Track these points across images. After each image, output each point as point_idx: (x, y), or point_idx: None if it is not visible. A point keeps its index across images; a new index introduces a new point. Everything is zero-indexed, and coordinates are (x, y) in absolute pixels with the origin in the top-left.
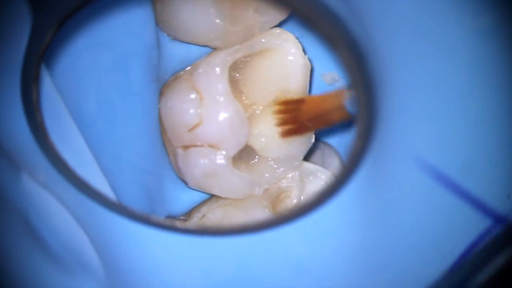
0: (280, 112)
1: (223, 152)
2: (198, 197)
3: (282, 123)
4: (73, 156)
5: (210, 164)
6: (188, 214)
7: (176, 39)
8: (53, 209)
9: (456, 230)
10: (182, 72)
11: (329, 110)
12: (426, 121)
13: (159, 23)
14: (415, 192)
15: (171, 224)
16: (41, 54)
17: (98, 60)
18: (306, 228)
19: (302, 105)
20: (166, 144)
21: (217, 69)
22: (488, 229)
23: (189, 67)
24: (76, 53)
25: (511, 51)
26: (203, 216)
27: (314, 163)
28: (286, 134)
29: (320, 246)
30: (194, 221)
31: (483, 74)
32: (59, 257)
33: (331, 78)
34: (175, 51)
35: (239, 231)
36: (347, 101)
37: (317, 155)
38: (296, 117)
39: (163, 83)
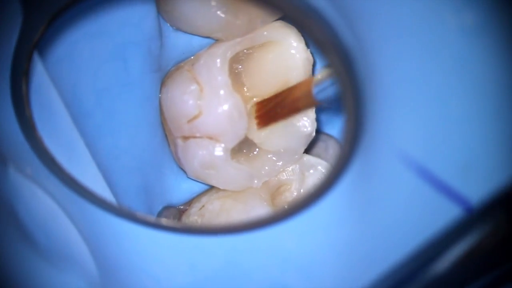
0: (257, 110)
1: (222, 144)
2: (198, 187)
3: (258, 116)
4: (63, 150)
5: (209, 155)
6: (188, 203)
7: (178, 29)
8: (41, 203)
9: (438, 224)
10: (183, 63)
11: (298, 98)
12: (412, 120)
13: (162, 13)
14: (400, 188)
15: (158, 222)
16: (31, 50)
17: (96, 50)
18: (295, 227)
19: (276, 98)
20: (167, 134)
21: (218, 61)
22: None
23: (191, 58)
24: (74, 42)
25: (494, 48)
26: (203, 206)
27: (318, 155)
28: (261, 124)
29: (308, 244)
30: (194, 211)
31: (465, 71)
32: (48, 251)
33: None
34: (178, 41)
35: (226, 230)
36: (315, 88)
37: (320, 147)
38: (270, 108)
39: (165, 73)
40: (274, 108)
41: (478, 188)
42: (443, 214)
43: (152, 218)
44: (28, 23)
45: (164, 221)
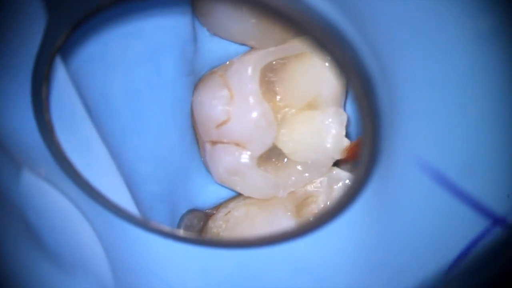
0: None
1: (248, 152)
2: (224, 191)
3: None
4: (82, 155)
5: (234, 162)
6: (216, 208)
7: (215, 34)
8: (54, 207)
9: (456, 231)
10: (217, 68)
11: None
12: (431, 129)
13: (199, 17)
14: (420, 198)
15: (173, 232)
16: (53, 54)
17: (128, 51)
18: (313, 240)
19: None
20: (197, 137)
21: (249, 69)
22: (486, 230)
23: (225, 64)
24: (106, 41)
25: (510, 54)
26: (229, 212)
27: (348, 168)
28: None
29: (325, 255)
30: (220, 216)
31: (482, 77)
32: (59, 256)
33: None
34: (214, 46)
35: (241, 244)
36: None
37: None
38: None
39: (199, 77)
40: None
41: (494, 194)
42: (459, 218)
43: (167, 228)
44: (51, 28)
45: (179, 231)
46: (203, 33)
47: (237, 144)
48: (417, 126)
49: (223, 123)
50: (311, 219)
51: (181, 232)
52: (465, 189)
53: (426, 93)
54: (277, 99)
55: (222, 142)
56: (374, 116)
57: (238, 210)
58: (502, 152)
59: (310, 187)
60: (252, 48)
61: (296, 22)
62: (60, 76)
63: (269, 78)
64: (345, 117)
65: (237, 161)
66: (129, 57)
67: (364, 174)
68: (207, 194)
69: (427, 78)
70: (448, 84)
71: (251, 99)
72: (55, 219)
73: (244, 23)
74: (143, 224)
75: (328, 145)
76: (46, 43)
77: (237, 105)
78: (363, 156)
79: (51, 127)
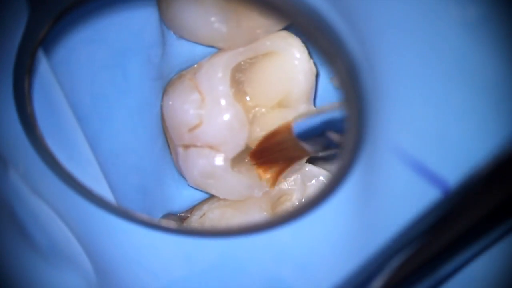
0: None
1: (222, 154)
2: (199, 194)
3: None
4: (64, 148)
5: (209, 165)
6: (190, 211)
7: (182, 37)
8: (38, 203)
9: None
10: (186, 71)
11: (280, 144)
12: (414, 119)
13: (165, 21)
14: (399, 188)
15: (153, 221)
16: (35, 47)
17: (93, 56)
18: (293, 228)
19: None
20: (168, 141)
21: (219, 71)
22: None
23: (193, 66)
24: (72, 47)
25: (498, 43)
26: (203, 214)
27: (322, 165)
28: (265, 172)
29: (305, 240)
30: (195, 219)
31: (466, 66)
32: (47, 250)
33: None
34: (181, 49)
35: (222, 233)
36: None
37: (325, 157)
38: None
39: (167, 81)
40: (269, 160)
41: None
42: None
43: (148, 218)
44: (33, 20)
45: (160, 221)
46: (171, 37)
47: (211, 147)
48: (400, 115)
49: (196, 126)
50: (294, 207)
51: (164, 222)
52: (444, 179)
53: (411, 82)
54: (247, 99)
55: (195, 146)
56: (359, 104)
57: (212, 213)
58: (484, 143)
59: (284, 185)
60: (219, 50)
61: (283, 11)
62: (43, 70)
63: (238, 79)
64: None
65: (211, 164)
66: (95, 62)
67: (348, 161)
68: (182, 198)
69: (413, 67)
70: (433, 73)
71: (222, 101)
72: (41, 214)
73: (210, 26)
74: (126, 214)
75: None
76: (28, 36)
77: (209, 108)
78: (347, 144)
79: (34, 120)
